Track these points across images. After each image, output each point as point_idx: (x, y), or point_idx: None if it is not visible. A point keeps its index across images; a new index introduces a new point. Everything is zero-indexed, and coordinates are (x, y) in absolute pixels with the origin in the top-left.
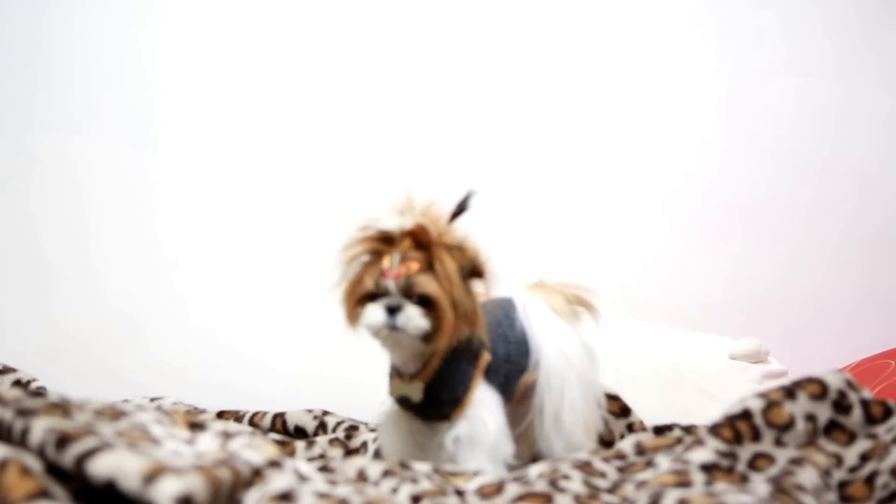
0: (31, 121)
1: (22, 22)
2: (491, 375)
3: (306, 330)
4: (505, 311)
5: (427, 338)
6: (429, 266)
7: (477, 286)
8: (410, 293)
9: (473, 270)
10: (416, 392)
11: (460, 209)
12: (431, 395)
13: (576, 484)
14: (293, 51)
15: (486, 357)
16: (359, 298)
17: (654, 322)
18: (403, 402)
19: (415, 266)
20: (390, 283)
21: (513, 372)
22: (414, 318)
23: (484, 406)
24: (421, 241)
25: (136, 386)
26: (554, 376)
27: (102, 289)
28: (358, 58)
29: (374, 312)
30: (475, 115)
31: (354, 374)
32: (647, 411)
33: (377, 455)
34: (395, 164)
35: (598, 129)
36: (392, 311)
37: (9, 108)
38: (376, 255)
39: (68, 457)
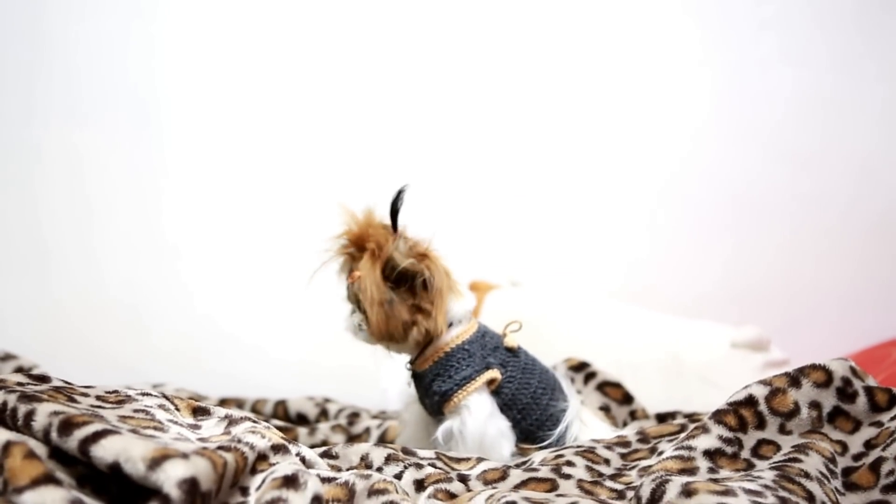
0: (35, 110)
1: (26, 11)
2: (499, 398)
3: (308, 319)
4: (551, 383)
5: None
6: None
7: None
8: (356, 299)
9: (401, 273)
10: (408, 378)
11: (394, 209)
12: (425, 385)
13: (579, 470)
14: (297, 42)
15: (493, 373)
16: None
17: (653, 310)
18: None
19: (357, 274)
20: (347, 290)
21: (519, 422)
22: (350, 320)
23: (473, 410)
24: (362, 249)
25: (137, 374)
26: None
27: (105, 277)
28: (362, 51)
29: (345, 316)
30: (472, 104)
31: (356, 363)
32: (649, 400)
33: (381, 441)
34: (395, 153)
35: (597, 119)
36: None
37: (12, 96)
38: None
39: (73, 441)
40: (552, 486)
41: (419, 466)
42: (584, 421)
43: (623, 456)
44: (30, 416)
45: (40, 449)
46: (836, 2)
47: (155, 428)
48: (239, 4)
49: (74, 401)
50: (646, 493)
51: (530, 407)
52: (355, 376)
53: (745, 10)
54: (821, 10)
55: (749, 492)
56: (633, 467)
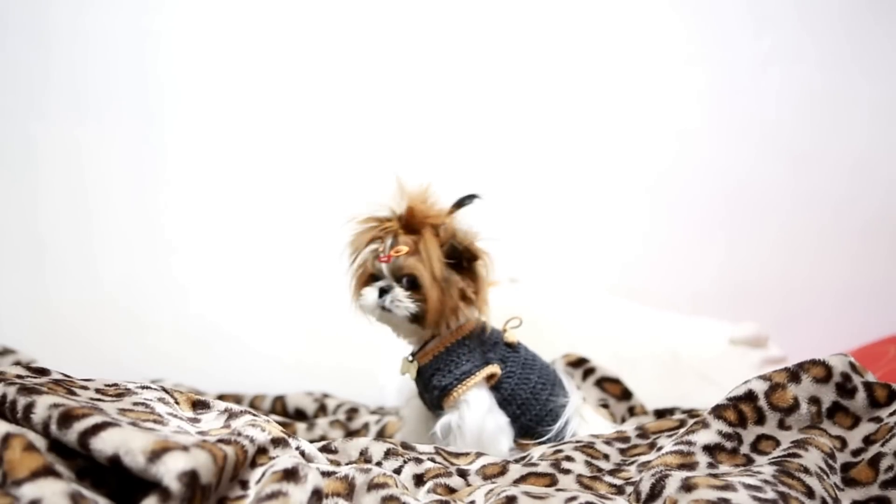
0: (35, 106)
1: (29, 6)
2: (499, 393)
3: (304, 317)
4: (552, 378)
5: (417, 319)
6: (418, 249)
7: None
8: (400, 275)
9: (463, 252)
10: (412, 371)
11: (460, 204)
12: (425, 380)
13: (579, 465)
14: (299, 44)
15: (493, 368)
16: (361, 282)
17: (651, 307)
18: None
19: (403, 249)
20: (383, 266)
21: (518, 417)
22: (399, 299)
23: (472, 405)
24: (412, 224)
25: (133, 372)
26: None
27: (101, 275)
28: (363, 51)
29: (369, 294)
30: (471, 109)
31: (352, 361)
32: (647, 396)
33: (379, 436)
34: (395, 152)
35: (592, 117)
36: (383, 292)
37: (14, 92)
38: (380, 241)
39: (72, 433)
40: (551, 481)
41: (419, 461)
42: (583, 417)
43: (622, 451)
44: (29, 408)
45: (40, 441)
46: (826, 2)
47: (155, 421)
48: (244, 5)
49: (74, 393)
50: (645, 487)
51: (530, 402)
52: (352, 374)
53: (738, 10)
54: (811, 11)
55: (749, 486)
56: (633, 462)
